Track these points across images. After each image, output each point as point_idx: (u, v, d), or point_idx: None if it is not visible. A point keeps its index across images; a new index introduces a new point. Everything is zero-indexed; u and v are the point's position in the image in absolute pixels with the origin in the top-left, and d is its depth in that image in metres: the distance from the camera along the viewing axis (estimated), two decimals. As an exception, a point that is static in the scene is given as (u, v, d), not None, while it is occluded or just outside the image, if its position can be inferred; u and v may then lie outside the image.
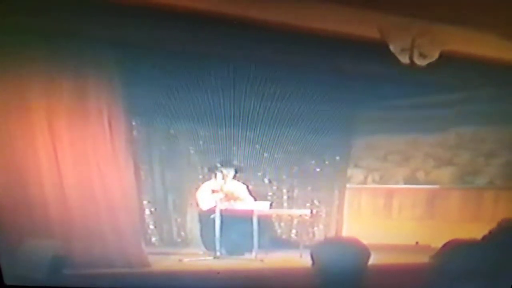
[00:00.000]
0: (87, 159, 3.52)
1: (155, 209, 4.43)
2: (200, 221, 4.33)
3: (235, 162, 4.38)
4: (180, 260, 3.86)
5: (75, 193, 3.48)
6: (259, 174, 4.69)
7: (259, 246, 4.00)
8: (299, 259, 3.78)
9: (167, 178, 4.51)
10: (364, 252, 2.97)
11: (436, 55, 3.64)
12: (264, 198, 4.43)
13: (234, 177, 4.33)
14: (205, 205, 4.23)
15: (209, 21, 3.30)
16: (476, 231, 3.59)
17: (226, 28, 3.35)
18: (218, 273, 3.62)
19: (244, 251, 4.05)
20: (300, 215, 4.66)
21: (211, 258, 3.96)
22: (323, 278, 2.85)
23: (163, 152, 4.52)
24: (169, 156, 4.54)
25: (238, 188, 4.37)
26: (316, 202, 4.82)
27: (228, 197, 4.19)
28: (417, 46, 3.61)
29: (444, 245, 3.30)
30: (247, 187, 4.41)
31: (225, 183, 4.26)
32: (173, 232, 4.52)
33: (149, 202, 4.40)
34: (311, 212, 4.63)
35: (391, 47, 3.59)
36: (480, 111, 4.41)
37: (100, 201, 3.55)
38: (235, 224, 4.06)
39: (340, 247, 3.14)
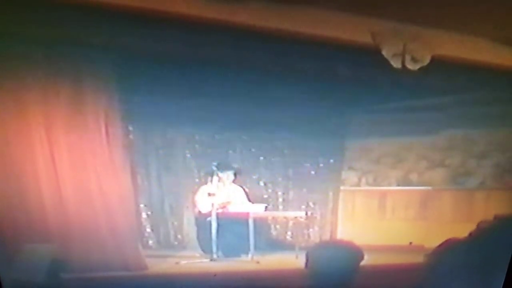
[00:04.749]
0: (84, 163, 3.53)
1: (152, 212, 4.45)
2: (197, 224, 4.35)
3: (234, 166, 4.43)
4: (177, 263, 3.88)
5: (73, 197, 3.48)
6: (255, 177, 4.73)
7: (255, 248, 4.01)
8: (294, 260, 3.79)
9: (164, 182, 4.54)
10: (357, 255, 3.02)
11: (427, 60, 3.69)
12: (259, 200, 4.47)
13: (234, 180, 4.36)
14: (202, 208, 4.25)
15: (205, 28, 3.34)
16: (469, 231, 3.64)
17: (222, 34, 3.39)
18: (215, 275, 3.63)
19: (240, 253, 4.07)
20: (295, 217, 4.70)
21: (207, 260, 3.97)
22: (315, 279, 2.89)
23: (159, 156, 4.55)
24: (165, 160, 4.57)
25: (235, 191, 4.40)
26: (311, 204, 4.87)
27: (224, 204, 4.22)
28: (409, 51, 3.67)
29: (439, 246, 3.36)
30: (244, 190, 4.45)
31: (223, 186, 4.28)
32: (170, 235, 4.54)
33: (145, 205, 4.43)
34: (306, 214, 4.67)
35: (384, 52, 3.64)
36: (471, 114, 4.49)
37: (98, 205, 3.55)
38: (231, 227, 4.08)
39: (334, 250, 3.18)
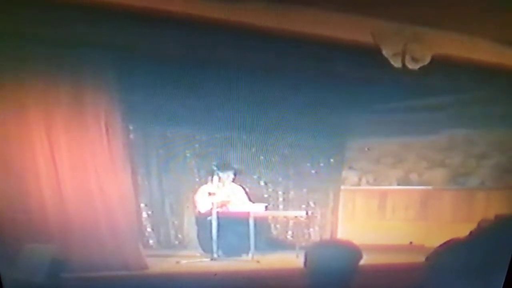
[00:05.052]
0: (85, 163, 3.54)
1: (152, 212, 4.46)
2: (197, 223, 4.36)
3: (234, 165, 4.43)
4: (177, 262, 3.89)
5: (73, 197, 3.49)
6: (255, 176, 4.73)
7: (256, 248, 4.04)
8: (295, 260, 3.81)
9: (164, 182, 4.53)
10: (355, 253, 3.03)
11: (427, 59, 3.70)
12: (260, 200, 4.48)
13: (233, 180, 4.38)
14: (202, 208, 4.26)
15: (205, 28, 3.34)
16: (469, 231, 3.65)
17: (222, 34, 3.40)
18: (215, 274, 3.64)
19: (240, 252, 4.08)
20: (296, 217, 4.71)
21: (208, 260, 3.99)
22: (314, 278, 2.90)
23: (160, 155, 4.54)
24: (165, 160, 4.57)
25: (235, 190, 4.41)
26: (311, 203, 4.87)
27: (224, 202, 4.23)
28: (409, 50, 3.68)
29: (440, 246, 3.36)
30: (244, 189, 4.46)
31: (223, 185, 4.30)
32: (170, 234, 4.55)
33: (146, 205, 4.43)
34: (307, 213, 4.68)
35: (384, 52, 3.65)
36: (471, 114, 4.48)
37: (98, 205, 3.57)
38: (232, 226, 4.10)
39: (332, 249, 3.18)
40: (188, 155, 4.64)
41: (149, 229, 4.44)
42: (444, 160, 4.81)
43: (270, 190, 4.82)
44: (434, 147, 4.79)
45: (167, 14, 3.27)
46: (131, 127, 4.28)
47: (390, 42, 3.64)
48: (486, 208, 4.42)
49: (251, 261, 3.98)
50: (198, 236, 4.33)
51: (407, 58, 3.68)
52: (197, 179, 4.58)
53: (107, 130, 3.65)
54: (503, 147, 4.52)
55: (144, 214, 4.42)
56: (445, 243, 3.35)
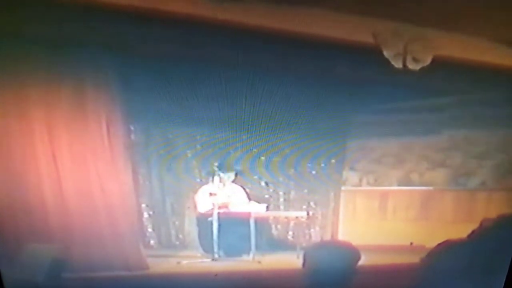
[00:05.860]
0: (85, 163, 3.55)
1: (153, 212, 4.46)
2: (198, 223, 4.36)
3: (236, 166, 4.44)
4: (178, 263, 3.90)
5: (74, 197, 3.50)
6: (256, 177, 4.74)
7: (257, 248, 4.04)
8: (296, 261, 3.82)
9: (165, 182, 4.54)
10: (353, 254, 3.04)
11: (428, 60, 3.70)
12: (261, 200, 4.48)
13: (234, 180, 4.39)
14: (202, 208, 4.27)
15: (206, 28, 3.35)
16: (470, 231, 3.65)
17: (222, 34, 3.40)
18: (216, 275, 3.65)
19: (241, 253, 4.09)
20: (297, 217, 4.71)
21: (209, 260, 3.99)
22: (313, 278, 2.91)
23: (161, 156, 4.55)
24: (167, 160, 4.57)
25: (236, 191, 4.41)
26: (312, 204, 4.87)
27: (225, 203, 4.24)
28: (410, 51, 3.68)
29: (438, 245, 3.36)
30: (244, 190, 4.46)
31: (224, 185, 4.30)
32: (171, 235, 4.55)
33: (147, 205, 4.43)
34: (307, 214, 4.68)
35: (385, 52, 3.65)
36: (472, 114, 4.48)
37: (99, 205, 3.57)
38: (233, 227, 4.10)
39: (331, 250, 3.19)
40: (189, 155, 4.64)
41: (150, 230, 4.44)
42: (445, 161, 4.81)
43: (271, 190, 4.82)
44: (435, 147, 4.78)
45: (167, 14, 3.28)
46: (132, 128, 4.28)
47: (391, 42, 3.65)
48: (487, 208, 4.41)
49: (252, 261, 3.98)
50: (199, 236, 4.34)
51: (408, 58, 3.68)
52: (198, 180, 4.58)
53: (108, 130, 3.66)
54: (504, 147, 4.51)
55: (145, 215, 4.42)
56: (445, 243, 3.36)
